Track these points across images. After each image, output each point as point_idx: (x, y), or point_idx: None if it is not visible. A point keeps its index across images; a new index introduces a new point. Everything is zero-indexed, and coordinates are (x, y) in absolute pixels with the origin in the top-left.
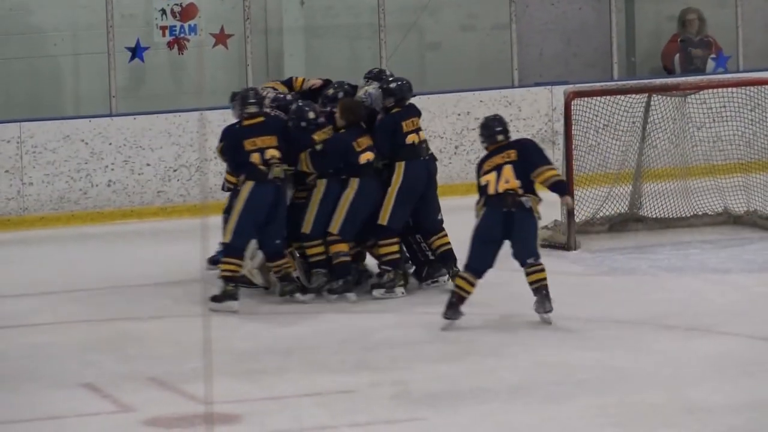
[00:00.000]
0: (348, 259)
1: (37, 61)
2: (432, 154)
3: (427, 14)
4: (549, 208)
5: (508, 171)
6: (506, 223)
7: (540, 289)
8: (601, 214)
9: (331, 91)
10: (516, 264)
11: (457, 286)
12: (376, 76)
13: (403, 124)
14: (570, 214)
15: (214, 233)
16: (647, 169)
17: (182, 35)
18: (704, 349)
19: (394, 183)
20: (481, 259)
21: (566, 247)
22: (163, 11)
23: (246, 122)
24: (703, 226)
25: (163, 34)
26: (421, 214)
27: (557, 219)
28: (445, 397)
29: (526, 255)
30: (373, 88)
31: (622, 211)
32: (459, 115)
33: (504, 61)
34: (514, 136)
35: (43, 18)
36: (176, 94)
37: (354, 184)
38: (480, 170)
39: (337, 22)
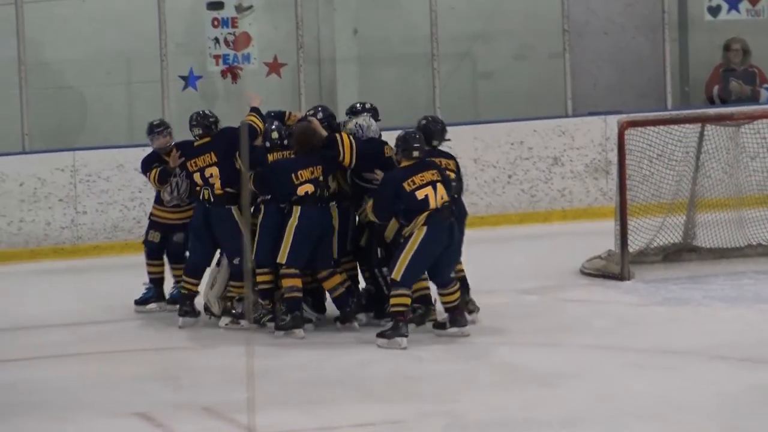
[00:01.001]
0: (299, 294)
1: (90, 89)
2: None
3: (480, 43)
4: (603, 237)
5: (441, 188)
6: (449, 236)
7: (459, 306)
8: (655, 244)
9: (311, 111)
10: (563, 293)
11: (400, 304)
12: (359, 111)
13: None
14: None
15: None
16: (701, 198)
17: (236, 64)
18: (758, 380)
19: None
20: (420, 273)
21: (620, 277)
22: (217, 40)
23: (195, 144)
24: (757, 257)
25: (217, 63)
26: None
27: (611, 249)
28: (497, 428)
29: (452, 269)
30: (363, 119)
31: (676, 241)
32: (512, 144)
33: (558, 91)
34: (569, 166)
35: (96, 46)
36: (229, 122)
37: (296, 212)
38: (401, 185)
39: (390, 51)
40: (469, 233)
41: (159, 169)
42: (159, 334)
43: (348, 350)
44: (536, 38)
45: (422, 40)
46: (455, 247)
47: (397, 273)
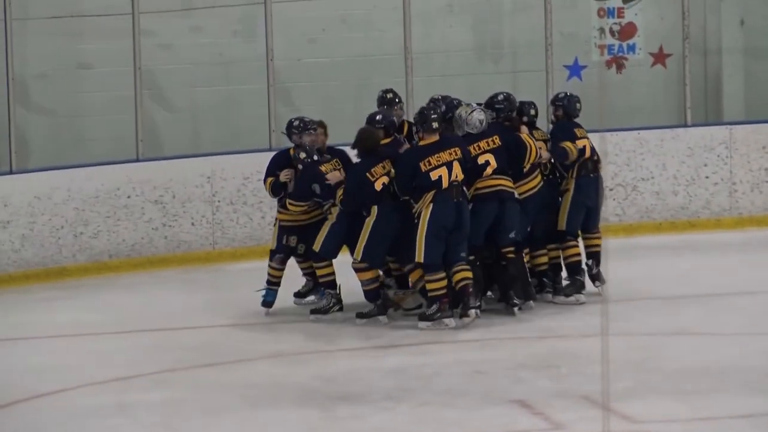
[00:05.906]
0: (376, 286)
1: (472, 78)
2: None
3: None
4: None
5: (457, 167)
6: (457, 214)
7: (465, 289)
8: None
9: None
10: None
11: (437, 288)
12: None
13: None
14: None
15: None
16: None
17: (620, 54)
18: None
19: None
20: (439, 251)
21: None
22: (602, 30)
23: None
24: None
25: (602, 53)
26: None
27: None
28: None
29: (463, 248)
30: (467, 110)
31: None
32: None
33: None
34: None
35: (483, 35)
36: (614, 113)
37: (374, 211)
38: (417, 164)
39: None
40: None
41: None
42: (535, 321)
43: (728, 341)
44: None
45: None
46: (465, 227)
47: (420, 256)
